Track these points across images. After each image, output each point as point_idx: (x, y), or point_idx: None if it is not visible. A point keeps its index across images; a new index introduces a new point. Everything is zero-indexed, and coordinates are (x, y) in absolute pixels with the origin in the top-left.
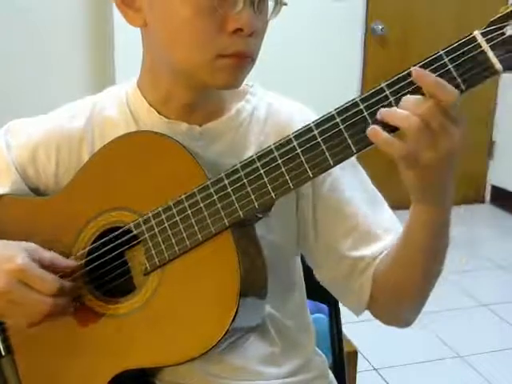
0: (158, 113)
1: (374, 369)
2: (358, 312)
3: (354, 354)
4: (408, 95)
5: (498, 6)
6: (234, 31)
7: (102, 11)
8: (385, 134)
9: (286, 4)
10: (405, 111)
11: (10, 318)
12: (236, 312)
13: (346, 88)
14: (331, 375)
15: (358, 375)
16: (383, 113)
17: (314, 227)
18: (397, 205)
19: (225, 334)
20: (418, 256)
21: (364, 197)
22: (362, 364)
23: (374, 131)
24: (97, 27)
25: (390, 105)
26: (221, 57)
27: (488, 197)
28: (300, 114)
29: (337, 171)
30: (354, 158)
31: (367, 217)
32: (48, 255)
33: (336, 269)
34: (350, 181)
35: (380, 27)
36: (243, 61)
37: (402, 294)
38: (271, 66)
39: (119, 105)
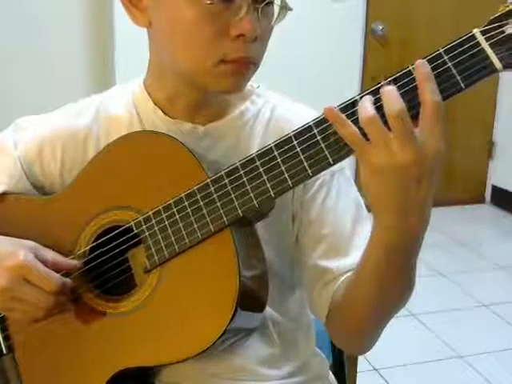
0: (163, 112)
1: (375, 369)
2: (321, 321)
3: None
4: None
5: (497, 6)
6: (237, 36)
7: (103, 11)
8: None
9: (291, 9)
10: (369, 104)
11: (13, 314)
12: (234, 312)
13: (345, 88)
14: (331, 375)
15: (358, 375)
16: (363, 99)
17: (298, 226)
18: None
19: (222, 334)
20: (371, 278)
21: (348, 208)
22: (362, 364)
23: (329, 108)
24: (97, 27)
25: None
26: (223, 62)
27: (488, 197)
28: (305, 118)
29: (327, 177)
30: (346, 169)
31: (345, 229)
32: (50, 255)
33: (304, 272)
34: (338, 189)
35: (380, 27)
36: (245, 66)
37: (355, 322)
38: (271, 66)
39: (125, 104)
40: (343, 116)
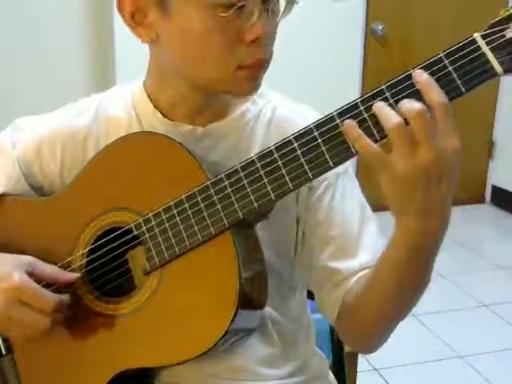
0: (163, 115)
1: (375, 369)
2: (330, 321)
3: (354, 354)
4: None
5: (497, 7)
6: (252, 41)
7: (103, 11)
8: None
9: (297, 2)
10: (392, 111)
11: (10, 334)
12: (235, 313)
13: (345, 88)
14: (331, 375)
15: (358, 375)
16: (376, 105)
17: (303, 228)
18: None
19: (223, 336)
20: (389, 277)
21: (354, 209)
22: (362, 364)
23: (350, 125)
24: (97, 27)
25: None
26: (240, 68)
27: (488, 197)
28: (306, 119)
29: (332, 178)
30: (350, 170)
31: (352, 230)
32: (48, 269)
33: (312, 273)
34: (343, 190)
35: (380, 27)
36: (260, 69)
37: (366, 326)
38: (271, 66)
39: (125, 105)
40: (359, 130)
